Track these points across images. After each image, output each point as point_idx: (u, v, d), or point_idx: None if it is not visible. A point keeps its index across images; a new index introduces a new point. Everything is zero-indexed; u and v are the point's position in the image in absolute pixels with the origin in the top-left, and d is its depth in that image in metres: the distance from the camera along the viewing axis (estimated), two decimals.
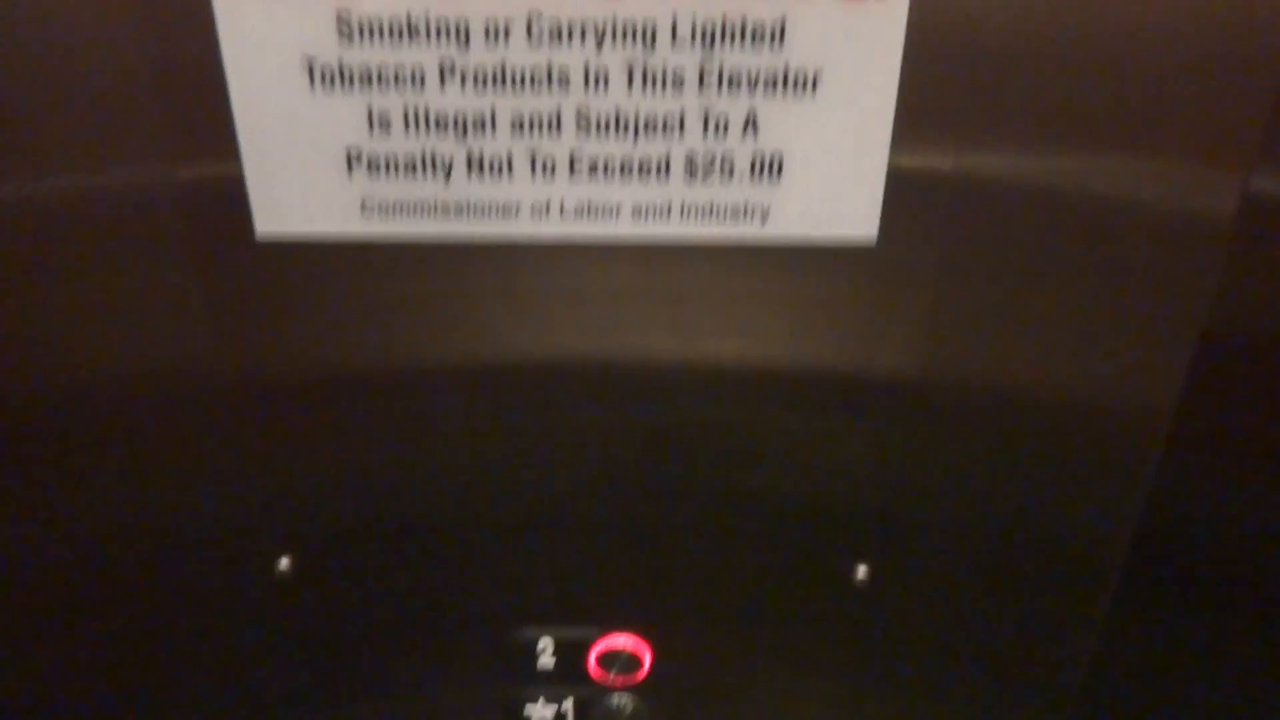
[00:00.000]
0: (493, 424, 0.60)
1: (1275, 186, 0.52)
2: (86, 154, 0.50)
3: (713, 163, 0.50)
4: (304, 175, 0.50)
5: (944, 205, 0.52)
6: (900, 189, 0.52)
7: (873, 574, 0.65)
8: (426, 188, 0.51)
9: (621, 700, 0.71)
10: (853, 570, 0.65)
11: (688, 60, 0.48)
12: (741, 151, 0.50)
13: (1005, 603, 0.67)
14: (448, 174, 0.50)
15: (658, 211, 0.51)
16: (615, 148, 0.50)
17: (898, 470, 0.62)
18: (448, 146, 0.50)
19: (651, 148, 0.50)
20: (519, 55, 0.48)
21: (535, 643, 0.69)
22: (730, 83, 0.48)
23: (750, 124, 0.49)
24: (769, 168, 0.50)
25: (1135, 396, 0.58)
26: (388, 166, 0.50)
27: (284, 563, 0.64)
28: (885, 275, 0.54)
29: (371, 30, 0.47)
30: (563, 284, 0.55)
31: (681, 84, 0.48)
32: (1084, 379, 0.58)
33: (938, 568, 0.65)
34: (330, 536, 0.64)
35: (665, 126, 0.49)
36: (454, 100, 0.49)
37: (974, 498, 0.63)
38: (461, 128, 0.49)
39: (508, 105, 0.49)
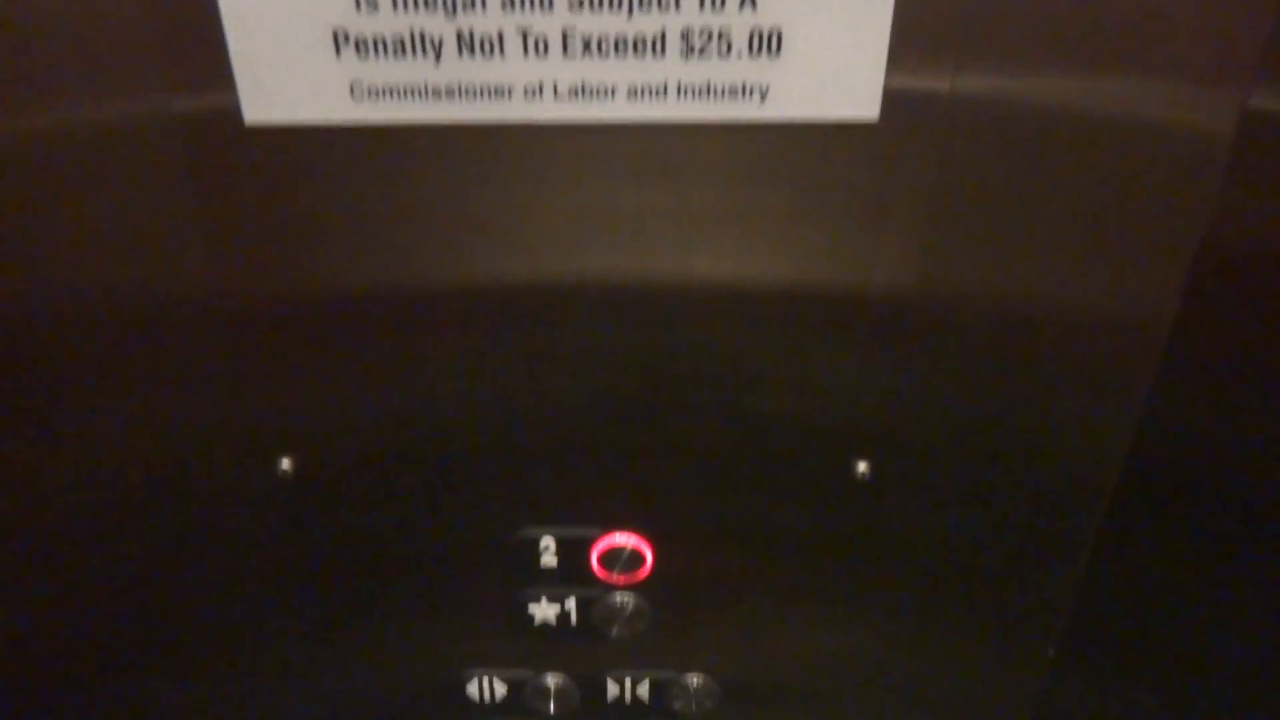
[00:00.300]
0: (494, 331, 0.60)
1: (1274, 104, 0.51)
2: (76, 66, 0.49)
3: (709, 39, 0.49)
4: (291, 58, 0.49)
5: (941, 124, 0.51)
6: (897, 108, 0.51)
7: (873, 471, 0.65)
8: (416, 69, 0.49)
9: (623, 596, 0.72)
10: (853, 469, 0.65)
11: None
12: (739, 26, 0.48)
13: (1001, 510, 0.67)
14: (438, 54, 0.49)
15: (654, 92, 0.50)
16: (609, 24, 0.48)
17: (894, 382, 0.61)
18: (437, 24, 0.48)
19: (646, 23, 0.48)
20: None
21: (538, 543, 0.69)
22: None
23: None
24: (768, 44, 0.49)
25: (1131, 312, 0.58)
26: (376, 47, 0.49)
27: (285, 464, 0.64)
28: (882, 189, 0.54)
29: None
30: (564, 199, 0.54)
31: None
32: (1080, 295, 0.58)
33: (934, 475, 0.65)
34: (331, 439, 0.64)
35: (660, 1, 0.48)
36: None
37: (970, 412, 0.63)
38: (450, 4, 0.48)
39: None
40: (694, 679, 0.76)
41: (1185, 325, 0.58)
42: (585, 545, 0.69)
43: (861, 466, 0.65)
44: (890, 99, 0.51)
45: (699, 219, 0.55)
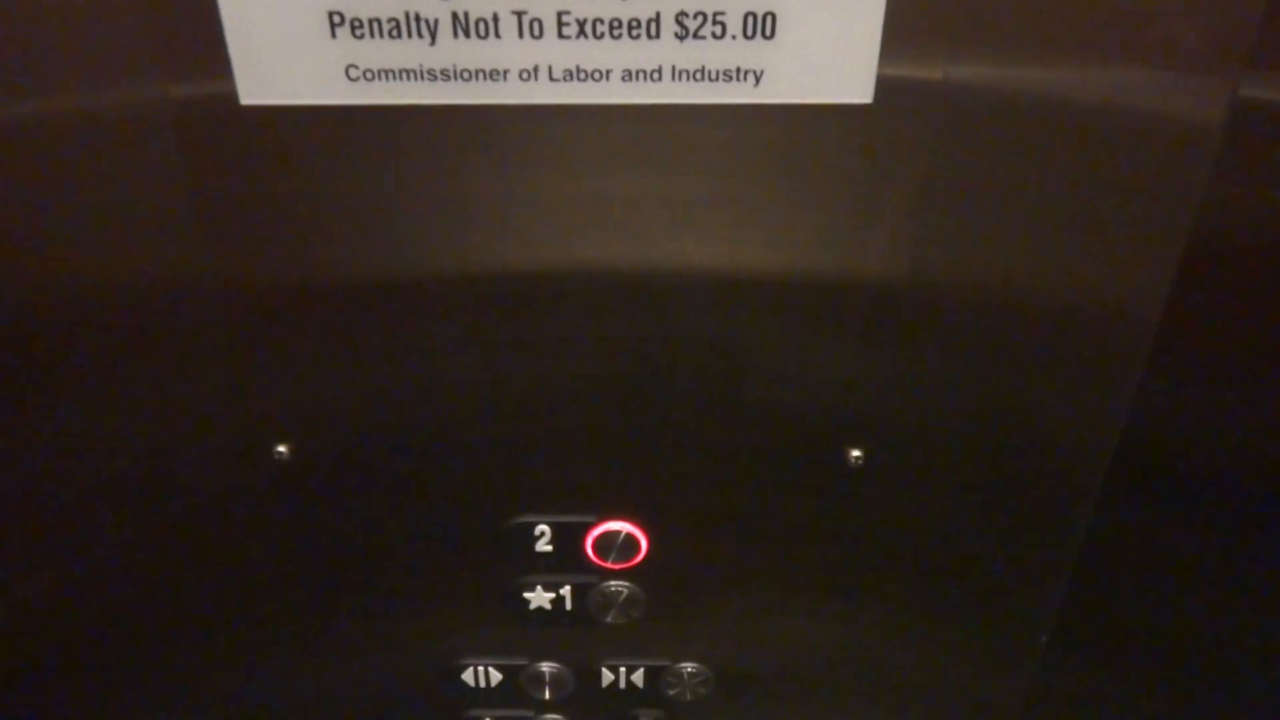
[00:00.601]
0: (489, 316, 0.60)
1: (1264, 94, 0.51)
2: (71, 50, 0.50)
3: (704, 22, 0.49)
4: (287, 39, 0.49)
5: (932, 112, 0.52)
6: (890, 93, 0.51)
7: (866, 459, 0.65)
8: (412, 50, 0.50)
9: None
10: (846, 456, 0.65)
11: None
12: (734, 9, 0.48)
13: (993, 497, 0.67)
14: (433, 36, 0.49)
15: (648, 75, 0.50)
16: (604, 6, 0.48)
17: (887, 369, 0.62)
18: (432, 6, 0.48)
19: (641, 6, 0.48)
20: None
21: (533, 530, 0.69)
22: None
23: None
24: (762, 26, 0.49)
25: (1122, 299, 0.58)
26: (372, 28, 0.49)
27: (281, 450, 0.64)
28: (876, 176, 0.54)
29: None
30: (559, 184, 0.54)
31: None
32: (1072, 282, 0.58)
33: (927, 463, 0.66)
34: (327, 426, 0.64)
35: None
36: None
37: (963, 399, 0.63)
38: None
39: None
40: (688, 666, 0.77)
41: (1176, 313, 0.58)
42: (580, 532, 0.69)
43: (855, 454, 0.65)
44: (884, 84, 0.51)
45: (693, 204, 0.55)
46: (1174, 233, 0.55)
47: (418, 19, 0.49)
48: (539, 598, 0.72)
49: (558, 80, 0.51)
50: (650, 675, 0.77)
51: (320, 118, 0.52)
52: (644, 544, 0.70)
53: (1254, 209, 0.56)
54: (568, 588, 0.72)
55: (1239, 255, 0.57)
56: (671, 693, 0.78)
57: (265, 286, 0.58)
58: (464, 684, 0.78)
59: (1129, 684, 0.76)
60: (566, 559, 0.70)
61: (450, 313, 0.59)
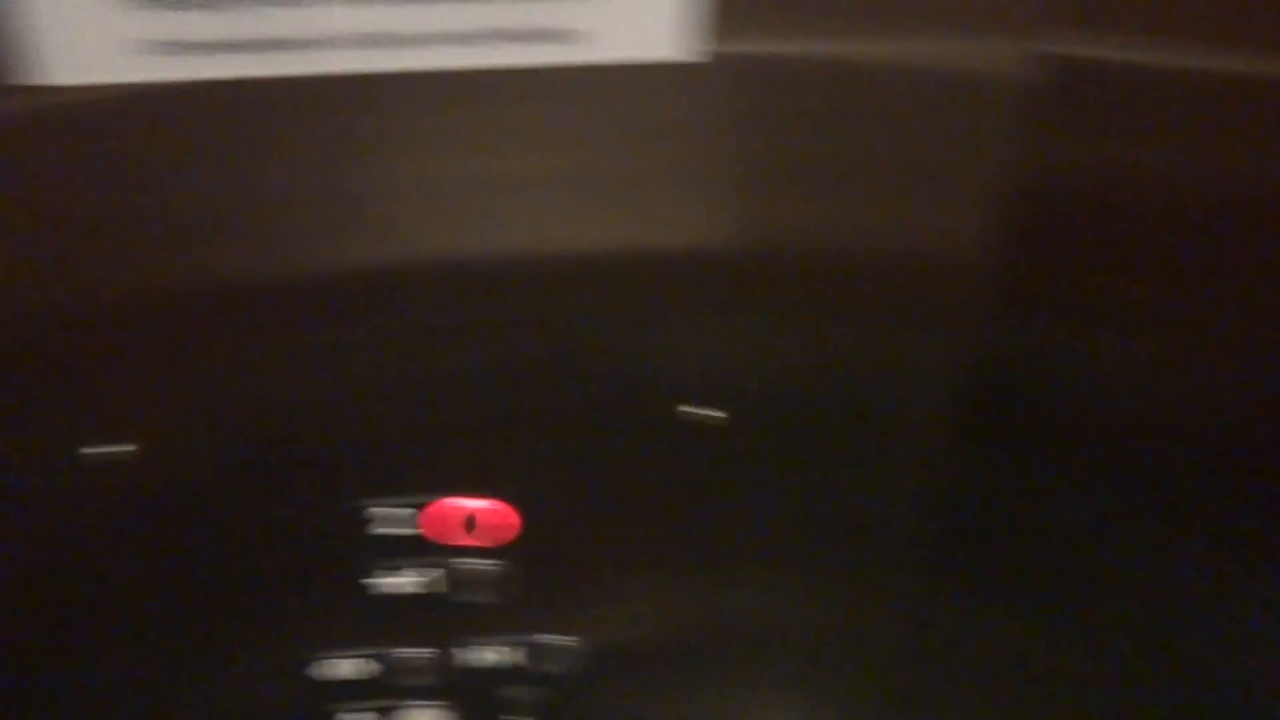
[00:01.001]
0: (324, 311, 0.58)
1: (1067, 49, 0.53)
2: None
3: None
4: (74, 12, 0.46)
5: (766, 76, 0.52)
6: (721, 61, 0.51)
7: (726, 422, 0.65)
8: (211, 21, 0.47)
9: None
10: (705, 421, 0.65)
11: None
12: None
13: (853, 452, 0.69)
14: (227, 3, 0.46)
15: (465, 38, 0.49)
16: None
17: (741, 336, 0.62)
18: None
19: None
20: None
21: (381, 515, 0.68)
22: None
23: None
24: None
25: (955, 255, 0.60)
26: None
27: (112, 450, 0.62)
28: (704, 152, 0.54)
29: None
30: (385, 172, 0.53)
31: None
32: (908, 241, 0.59)
33: (788, 422, 0.67)
34: (173, 425, 0.62)
35: None
36: None
37: (815, 359, 0.64)
38: None
39: None
40: (554, 639, 0.76)
41: (1009, 262, 0.60)
42: (430, 511, 0.68)
43: (712, 415, 0.65)
44: (716, 47, 0.50)
45: (528, 183, 0.54)
46: (997, 185, 0.57)
47: None
48: (393, 583, 0.71)
49: (371, 45, 0.48)
50: (516, 652, 0.76)
51: (123, 101, 0.49)
52: (500, 520, 0.69)
53: (1070, 157, 0.58)
54: (422, 570, 0.71)
55: (1061, 204, 0.60)
56: (541, 668, 0.77)
57: (100, 286, 0.55)
58: (318, 680, 0.76)
59: (1007, 619, 0.78)
60: (418, 541, 0.69)
61: (283, 308, 0.58)
